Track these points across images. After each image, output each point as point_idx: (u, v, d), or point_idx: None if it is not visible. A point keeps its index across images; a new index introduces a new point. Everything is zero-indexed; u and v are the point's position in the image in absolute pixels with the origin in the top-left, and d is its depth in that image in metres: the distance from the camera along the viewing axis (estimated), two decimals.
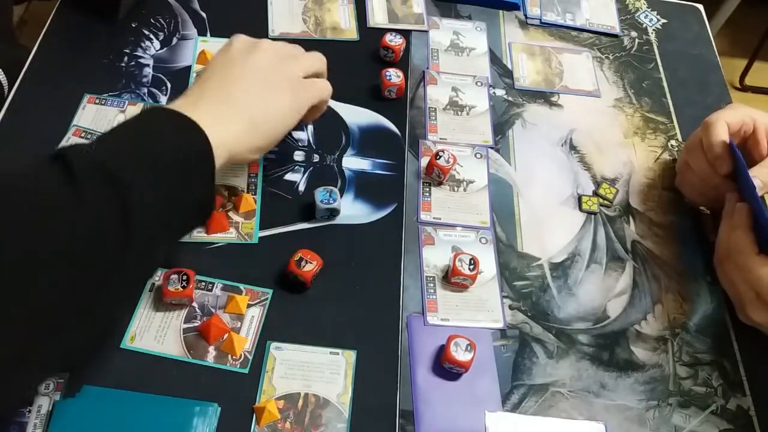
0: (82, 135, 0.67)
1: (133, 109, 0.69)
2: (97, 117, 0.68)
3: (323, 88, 0.62)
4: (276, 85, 0.58)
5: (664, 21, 0.89)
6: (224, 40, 0.75)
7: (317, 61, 0.63)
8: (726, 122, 0.65)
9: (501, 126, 0.75)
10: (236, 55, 0.58)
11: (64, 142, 0.66)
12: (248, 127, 0.55)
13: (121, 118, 0.68)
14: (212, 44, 0.76)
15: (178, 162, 0.50)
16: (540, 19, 0.86)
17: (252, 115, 0.55)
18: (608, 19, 0.87)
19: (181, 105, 0.53)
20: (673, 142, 0.77)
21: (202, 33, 0.77)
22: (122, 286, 0.49)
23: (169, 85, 0.72)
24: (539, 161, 0.73)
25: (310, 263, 0.59)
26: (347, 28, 0.80)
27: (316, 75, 0.62)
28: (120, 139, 0.50)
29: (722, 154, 0.64)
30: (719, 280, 0.64)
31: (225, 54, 0.59)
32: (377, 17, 0.82)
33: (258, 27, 0.78)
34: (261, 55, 0.59)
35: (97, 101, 0.69)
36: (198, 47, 0.75)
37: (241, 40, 0.60)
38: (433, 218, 0.67)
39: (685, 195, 0.71)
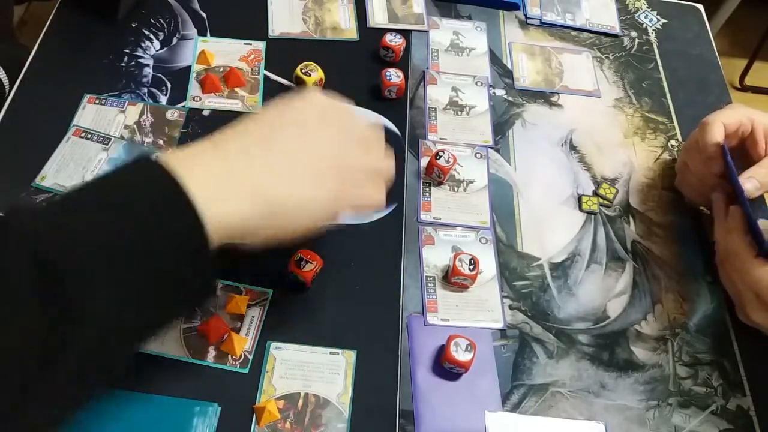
0: (82, 135, 0.67)
1: (133, 109, 0.69)
2: (97, 117, 0.68)
3: (376, 202, 0.50)
4: (324, 174, 0.46)
5: (664, 21, 0.89)
6: (224, 40, 0.76)
7: (388, 167, 0.51)
8: (723, 123, 0.65)
9: (501, 126, 0.75)
10: (300, 121, 0.48)
11: (64, 143, 0.66)
12: (266, 213, 0.44)
13: (121, 119, 0.68)
14: (212, 44, 0.76)
15: (155, 246, 0.39)
16: (540, 19, 0.86)
17: (271, 200, 0.44)
18: (608, 19, 0.87)
19: (184, 158, 0.43)
20: (673, 142, 0.77)
21: (202, 33, 0.77)
22: (51, 409, 0.38)
23: (169, 85, 0.72)
24: (539, 161, 0.73)
25: (310, 263, 0.59)
26: (347, 28, 0.80)
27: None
28: (79, 210, 0.39)
29: (716, 154, 0.64)
30: (720, 279, 0.64)
31: (288, 112, 0.48)
32: (377, 17, 0.82)
33: (258, 27, 0.78)
34: (328, 131, 0.48)
35: (97, 101, 0.69)
36: (198, 47, 0.75)
37: (316, 102, 0.50)
38: (433, 218, 0.67)
39: (684, 195, 0.71)
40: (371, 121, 0.52)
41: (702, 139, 0.65)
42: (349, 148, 0.49)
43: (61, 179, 0.64)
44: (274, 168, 0.45)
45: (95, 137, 0.67)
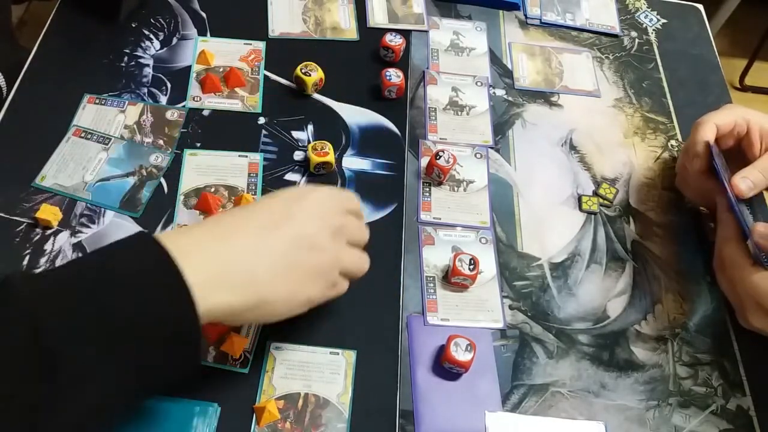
0: (82, 135, 0.67)
1: (133, 109, 0.69)
2: (97, 117, 0.68)
3: (341, 293, 0.53)
4: (307, 273, 0.49)
5: (664, 21, 0.89)
6: (224, 40, 0.76)
7: (362, 268, 0.54)
8: (716, 123, 0.65)
9: (501, 126, 0.75)
10: (280, 216, 0.49)
11: (64, 143, 0.66)
12: (252, 305, 0.46)
13: (121, 119, 0.68)
14: (212, 44, 0.76)
15: (147, 332, 0.40)
16: (540, 19, 0.86)
17: (263, 295, 0.46)
18: (608, 19, 0.87)
19: (185, 242, 0.44)
20: (673, 142, 0.77)
21: (202, 33, 0.77)
22: None
23: (169, 85, 0.72)
24: (539, 161, 0.73)
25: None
26: (347, 28, 0.80)
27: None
28: (80, 291, 0.40)
29: (700, 153, 0.65)
30: (719, 285, 0.64)
31: (271, 206, 0.50)
32: (377, 17, 0.82)
33: (258, 27, 0.78)
34: (323, 231, 0.50)
35: (97, 101, 0.69)
36: (198, 47, 0.75)
37: (318, 199, 0.51)
38: (433, 218, 0.67)
39: (685, 195, 0.71)
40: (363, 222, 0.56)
41: (692, 137, 0.66)
42: (336, 251, 0.51)
43: (61, 179, 0.64)
44: (270, 262, 0.47)
45: (95, 137, 0.67)
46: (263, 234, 0.47)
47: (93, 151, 0.66)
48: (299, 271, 0.48)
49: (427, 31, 0.82)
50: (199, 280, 0.42)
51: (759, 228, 0.58)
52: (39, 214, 0.60)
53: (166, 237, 0.43)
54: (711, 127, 0.65)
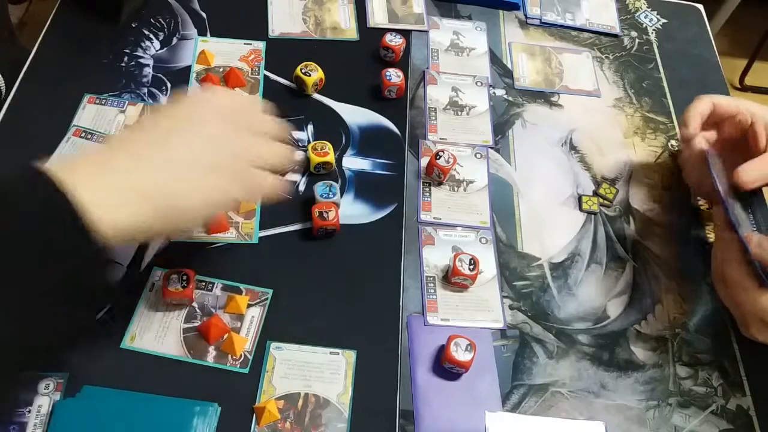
0: (82, 135, 0.67)
1: (133, 109, 0.69)
2: (97, 117, 0.68)
3: (268, 186, 0.52)
4: (213, 165, 0.48)
5: (664, 21, 0.89)
6: (224, 40, 0.76)
7: (278, 155, 0.53)
8: (713, 102, 0.65)
9: (501, 126, 0.75)
10: (195, 118, 0.50)
11: (64, 143, 0.66)
12: (160, 214, 0.46)
13: (121, 119, 0.68)
14: (212, 44, 0.76)
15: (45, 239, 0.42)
16: (540, 19, 0.86)
17: (167, 200, 0.46)
18: (608, 19, 0.87)
19: (71, 166, 0.45)
20: (673, 142, 0.77)
21: (202, 33, 0.77)
22: None
23: (169, 85, 0.72)
24: (539, 161, 0.73)
25: (331, 210, 0.62)
26: (347, 28, 0.80)
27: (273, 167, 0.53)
28: None
29: (690, 117, 0.65)
30: (720, 297, 0.63)
31: (183, 110, 0.51)
32: (377, 17, 0.82)
33: (258, 27, 0.78)
34: (220, 127, 0.50)
35: (98, 101, 0.69)
36: (198, 47, 0.75)
37: (212, 99, 0.52)
38: (433, 218, 0.67)
39: (692, 188, 0.71)
40: (271, 116, 0.55)
41: (687, 110, 0.66)
42: (240, 140, 0.51)
43: None
44: (162, 166, 0.47)
45: (95, 137, 0.67)
46: (153, 145, 0.48)
47: None
48: (202, 169, 0.48)
49: (427, 31, 0.82)
50: (90, 197, 0.42)
51: (754, 238, 0.58)
52: None
53: (55, 166, 0.44)
54: (707, 102, 0.65)
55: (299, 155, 0.67)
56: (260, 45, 0.77)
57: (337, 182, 0.67)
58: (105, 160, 0.47)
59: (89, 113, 0.68)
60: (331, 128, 0.72)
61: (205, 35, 0.77)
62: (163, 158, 0.47)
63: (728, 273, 0.60)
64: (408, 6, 0.84)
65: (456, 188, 0.69)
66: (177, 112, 0.51)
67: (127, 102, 0.70)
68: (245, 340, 0.57)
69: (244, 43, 0.76)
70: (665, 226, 0.70)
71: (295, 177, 0.67)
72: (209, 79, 0.72)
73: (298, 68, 0.72)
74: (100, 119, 0.68)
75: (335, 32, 0.80)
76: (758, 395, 0.60)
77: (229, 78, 0.72)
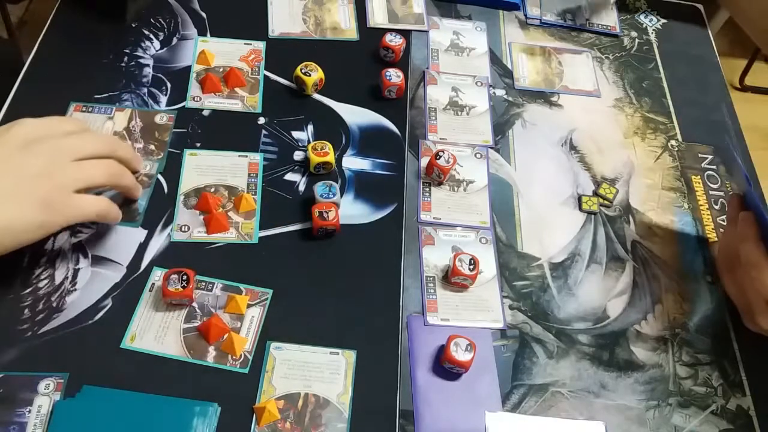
0: None
1: (121, 115, 0.69)
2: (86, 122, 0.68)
3: (91, 209, 0.55)
4: (25, 196, 0.51)
5: (664, 21, 0.89)
6: (224, 40, 0.76)
7: (103, 172, 0.56)
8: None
9: (501, 126, 0.75)
10: (2, 153, 0.52)
11: None
12: None
13: (109, 125, 0.67)
14: (212, 44, 0.76)
15: None
16: (540, 19, 0.86)
17: None
18: (608, 19, 0.87)
19: None
20: (673, 142, 0.77)
21: (202, 33, 0.77)
22: None
23: (169, 85, 0.72)
24: (539, 161, 0.73)
25: (330, 210, 0.62)
26: (347, 28, 0.80)
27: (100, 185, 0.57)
28: None
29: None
30: (724, 287, 0.64)
31: None
32: (377, 17, 0.82)
33: (258, 27, 0.78)
34: (31, 158, 0.52)
35: (84, 109, 0.68)
36: (198, 47, 0.75)
37: (20, 131, 0.54)
38: (433, 218, 0.67)
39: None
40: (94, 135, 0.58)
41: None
42: (55, 167, 0.53)
43: None
44: None
45: None
46: None
47: None
48: (8, 199, 0.50)
49: (427, 31, 0.82)
50: None
51: None
52: None
53: None
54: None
55: (141, 166, 0.65)
56: (260, 45, 0.77)
57: (337, 182, 0.67)
58: None
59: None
60: (331, 128, 0.72)
61: (205, 35, 0.77)
62: None
63: (744, 251, 0.59)
64: (408, 6, 0.84)
65: (456, 188, 0.69)
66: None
67: (114, 108, 0.68)
68: (245, 340, 0.57)
69: (244, 43, 0.76)
70: (665, 226, 0.70)
71: (295, 177, 0.67)
72: (209, 79, 0.72)
73: (298, 68, 0.72)
74: (90, 126, 0.67)
75: (335, 32, 0.80)
76: (758, 395, 0.60)
77: (229, 78, 0.72)
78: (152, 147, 0.67)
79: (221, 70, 0.74)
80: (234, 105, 0.72)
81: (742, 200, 0.63)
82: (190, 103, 0.71)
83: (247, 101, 0.72)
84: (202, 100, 0.71)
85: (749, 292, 0.59)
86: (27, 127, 0.55)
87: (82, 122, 0.58)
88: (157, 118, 0.69)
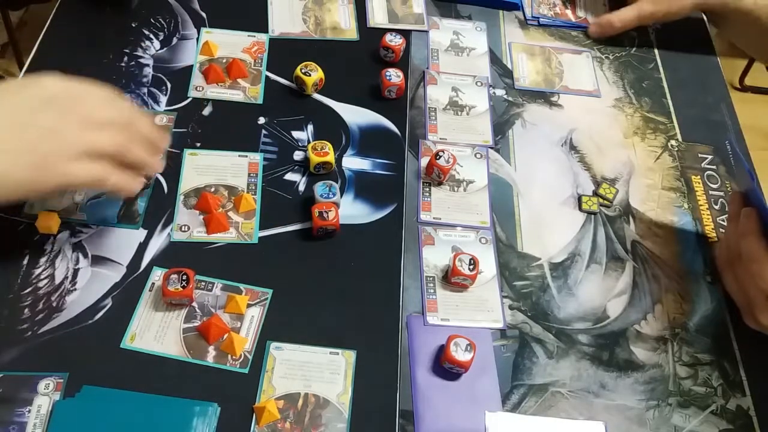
0: None
1: None
2: None
3: (85, 174, 0.52)
4: (17, 148, 0.50)
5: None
6: (228, 32, 0.76)
7: (110, 140, 0.53)
8: None
9: (501, 126, 0.75)
10: (21, 105, 0.51)
11: None
12: None
13: None
14: (216, 35, 0.76)
15: None
16: (539, 20, 0.86)
17: None
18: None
19: None
20: (673, 142, 0.77)
21: None
22: None
23: (169, 85, 0.72)
24: (539, 161, 0.73)
25: (330, 210, 0.62)
26: (347, 28, 0.80)
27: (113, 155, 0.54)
28: None
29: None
30: (724, 284, 0.64)
31: (10, 97, 0.52)
32: (377, 17, 0.82)
33: (258, 27, 0.78)
34: (47, 115, 0.51)
35: None
36: (202, 38, 0.75)
37: (44, 86, 0.52)
38: (433, 218, 0.67)
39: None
40: (114, 103, 0.55)
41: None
42: (64, 128, 0.51)
43: (52, 203, 0.62)
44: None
45: None
46: None
47: None
48: (6, 152, 0.49)
49: (427, 31, 0.82)
50: None
51: None
52: (38, 223, 0.59)
53: None
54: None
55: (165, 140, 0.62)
56: (263, 37, 0.77)
57: (337, 182, 0.67)
58: None
59: None
60: (331, 128, 0.72)
61: None
62: None
63: (745, 246, 0.59)
64: (408, 6, 0.84)
65: (456, 188, 0.69)
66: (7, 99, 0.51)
67: None
68: (245, 340, 0.57)
69: (248, 35, 0.77)
70: (665, 226, 0.70)
71: (295, 177, 0.67)
72: (212, 69, 0.72)
73: (298, 68, 0.72)
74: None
75: (335, 32, 0.80)
76: (758, 395, 0.60)
77: (231, 69, 0.73)
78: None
79: (224, 61, 0.74)
80: (236, 95, 0.72)
81: (744, 197, 0.63)
82: (193, 93, 0.71)
83: (248, 92, 0.72)
84: (204, 90, 0.71)
85: (750, 287, 0.59)
86: (56, 87, 0.53)
87: (114, 92, 0.56)
88: (157, 120, 0.69)
